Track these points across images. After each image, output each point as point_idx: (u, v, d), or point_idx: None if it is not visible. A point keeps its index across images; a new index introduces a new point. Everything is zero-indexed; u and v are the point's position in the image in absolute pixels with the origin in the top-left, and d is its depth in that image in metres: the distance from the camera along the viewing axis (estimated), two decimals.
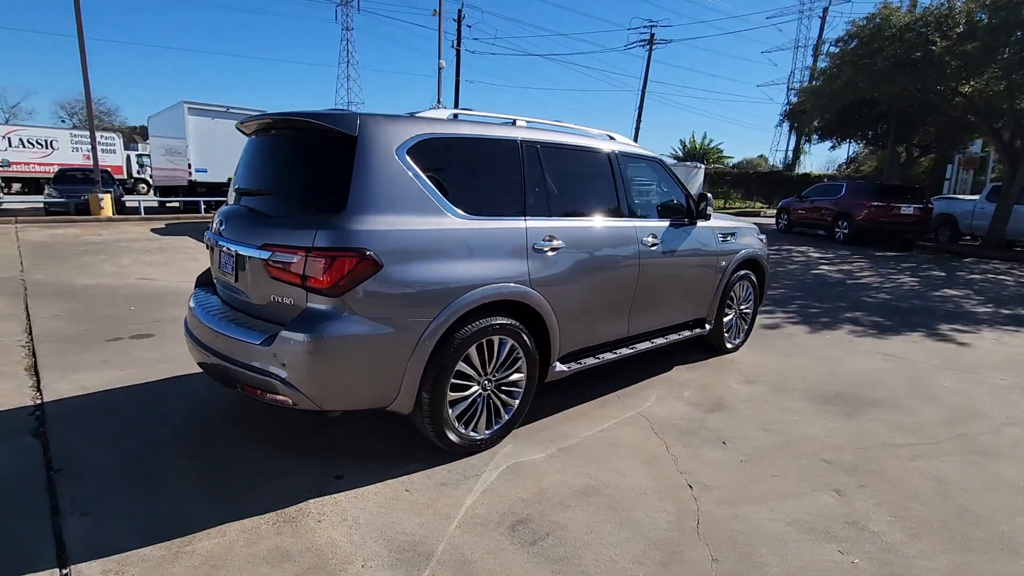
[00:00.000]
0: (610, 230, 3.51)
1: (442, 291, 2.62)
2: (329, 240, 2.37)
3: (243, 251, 2.64)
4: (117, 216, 14.90)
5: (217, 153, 15.41)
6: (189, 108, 15.79)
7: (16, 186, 25.31)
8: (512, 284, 2.88)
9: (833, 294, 7.66)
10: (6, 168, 23.91)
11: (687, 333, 4.29)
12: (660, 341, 4.03)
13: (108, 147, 25.13)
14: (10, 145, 24.10)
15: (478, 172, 2.96)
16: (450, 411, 2.78)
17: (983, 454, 3.12)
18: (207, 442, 2.96)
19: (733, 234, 4.60)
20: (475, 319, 2.77)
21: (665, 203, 4.10)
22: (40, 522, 2.25)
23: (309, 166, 2.60)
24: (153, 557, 2.07)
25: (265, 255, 2.50)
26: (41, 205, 15.80)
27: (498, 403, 3.03)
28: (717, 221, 4.53)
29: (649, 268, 3.75)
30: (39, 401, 3.39)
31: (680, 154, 36.96)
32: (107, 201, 14.38)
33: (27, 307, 5.54)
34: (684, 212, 4.13)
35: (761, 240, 5.05)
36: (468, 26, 32.41)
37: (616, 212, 3.61)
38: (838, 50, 15.28)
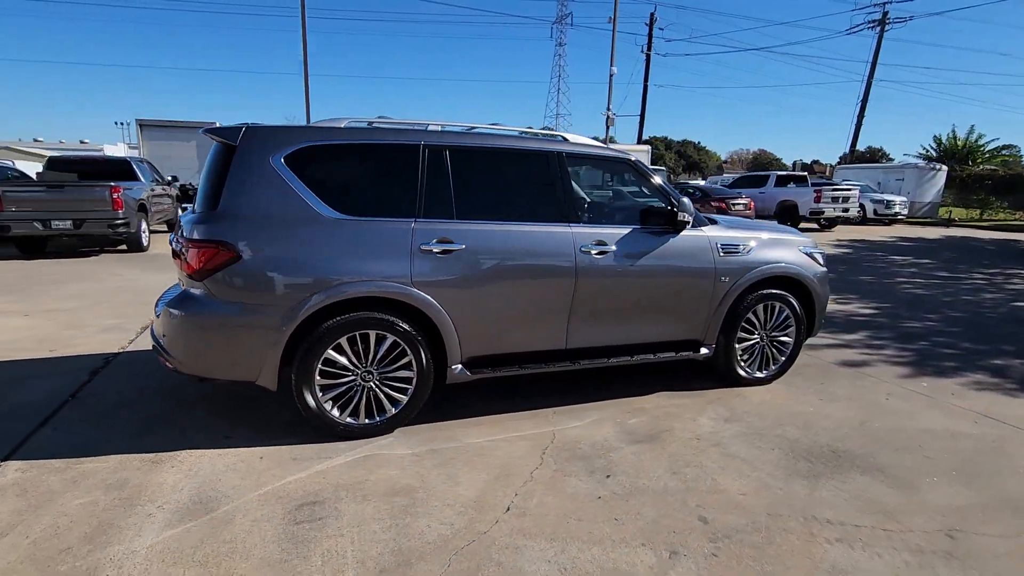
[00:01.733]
0: (532, 235, 3.35)
1: (303, 283, 2.89)
2: (197, 233, 2.83)
3: (173, 245, 3.27)
4: None
5: None
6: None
7: None
8: (388, 283, 3.00)
9: None
10: None
11: (670, 354, 3.80)
12: (625, 359, 3.66)
13: None
14: None
15: (363, 176, 3.15)
16: (320, 395, 3.03)
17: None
18: (177, 397, 3.68)
19: (746, 247, 3.90)
20: (343, 312, 2.97)
21: (631, 209, 3.72)
22: (22, 427, 3.13)
23: (212, 172, 3.10)
24: (55, 467, 2.76)
25: (176, 247, 3.07)
26: None
27: (382, 396, 3.17)
28: (722, 230, 3.91)
29: (594, 278, 3.46)
30: (120, 350, 4.57)
31: (933, 153, 30.15)
32: None
33: None
34: (663, 219, 3.67)
35: (811, 257, 4.17)
36: (660, 28, 31.44)
37: (547, 217, 3.43)
38: None
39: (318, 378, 3.00)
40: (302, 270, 2.90)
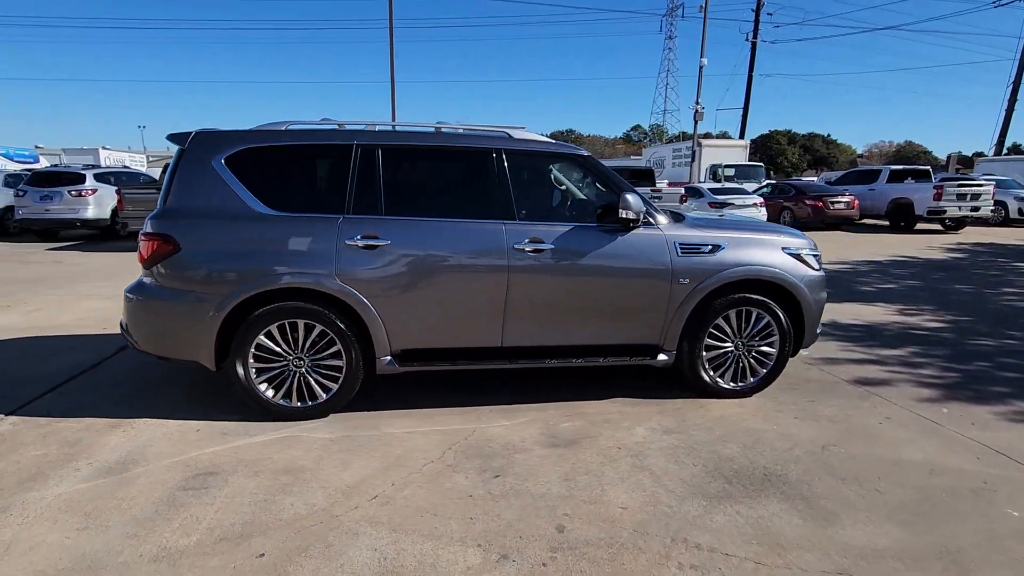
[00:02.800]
0: (461, 231, 3.37)
1: (234, 274, 3.16)
2: (147, 227, 3.21)
3: None
4: None
5: None
6: None
7: None
8: (311, 275, 3.19)
9: None
10: None
11: (623, 359, 3.63)
12: (568, 362, 3.56)
13: None
14: None
15: (297, 175, 3.36)
16: (255, 377, 3.29)
17: None
18: (168, 374, 4.15)
19: (711, 247, 3.60)
20: (273, 301, 3.21)
21: (579, 206, 3.59)
22: (37, 390, 3.73)
23: (168, 172, 3.44)
24: (38, 423, 3.27)
25: None
26: None
27: (313, 383, 3.37)
28: (682, 228, 3.65)
29: (529, 276, 3.41)
30: None
31: None
32: None
33: None
34: (607, 216, 3.51)
35: (799, 258, 3.75)
36: (769, 14, 29.27)
37: (479, 213, 3.42)
38: None
39: (252, 361, 3.26)
40: (234, 262, 3.17)
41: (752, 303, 3.68)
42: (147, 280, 3.26)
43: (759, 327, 3.75)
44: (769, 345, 3.79)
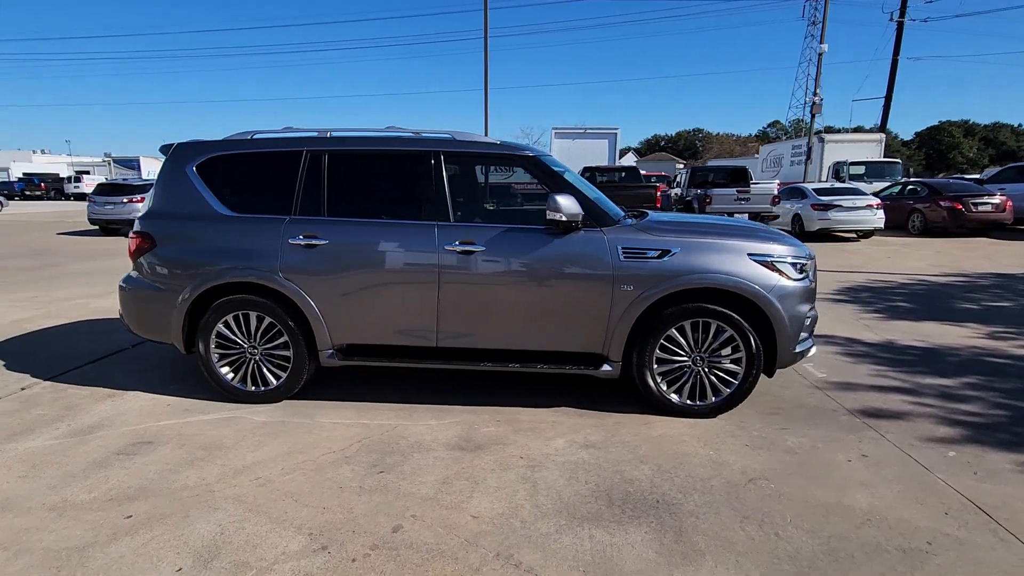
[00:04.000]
0: (394, 232, 3.47)
1: (196, 269, 3.55)
2: (135, 226, 3.70)
3: None
4: None
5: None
6: (556, 132, 19.17)
7: None
8: (257, 271, 3.49)
9: None
10: None
11: (567, 368, 3.49)
12: (503, 366, 3.51)
13: None
14: None
15: (253, 179, 3.65)
16: (216, 360, 3.66)
17: None
18: (181, 357, 4.73)
19: (660, 251, 3.33)
20: (228, 294, 3.56)
21: (515, 208, 3.50)
22: (78, 362, 4.47)
23: (156, 179, 3.91)
24: (59, 388, 3.92)
25: None
26: None
27: (266, 370, 3.67)
28: (629, 231, 3.41)
29: (462, 278, 3.42)
30: None
31: None
32: None
33: None
34: (540, 218, 3.39)
35: (770, 266, 3.34)
36: None
37: (413, 214, 3.49)
38: None
39: (213, 347, 3.63)
40: (197, 258, 3.56)
41: (711, 314, 3.34)
42: (134, 273, 3.77)
43: (720, 341, 3.39)
44: (734, 362, 3.41)
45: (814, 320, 3.60)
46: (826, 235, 13.61)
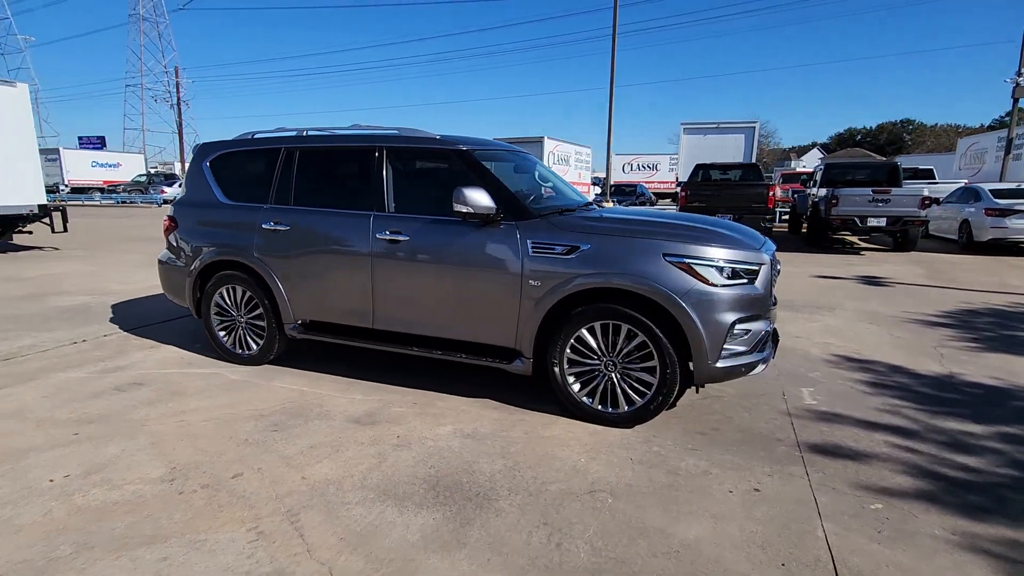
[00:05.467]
0: (336, 221, 3.82)
1: (200, 247, 4.28)
2: (168, 212, 4.56)
3: None
4: None
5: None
6: (685, 128, 18.16)
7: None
8: (236, 251, 4.10)
9: None
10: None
11: (484, 360, 3.55)
12: (427, 352, 3.68)
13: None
14: (631, 169, 33.31)
15: (245, 173, 4.25)
16: (216, 326, 4.38)
17: None
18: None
19: (569, 248, 3.21)
20: (220, 269, 4.23)
21: (441, 200, 3.60)
22: (157, 319, 5.59)
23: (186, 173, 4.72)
24: (126, 337, 4.99)
25: None
26: None
27: (250, 338, 4.29)
28: (542, 226, 3.34)
29: (388, 265, 3.67)
30: None
31: None
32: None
33: None
34: (453, 211, 3.41)
35: (687, 268, 3.04)
36: None
37: (355, 204, 3.79)
38: None
39: (213, 314, 4.35)
40: (202, 238, 4.29)
41: (622, 317, 3.14)
42: (165, 249, 4.65)
43: (632, 347, 3.17)
44: (647, 371, 3.16)
45: (760, 334, 3.17)
46: (1006, 247, 11.10)
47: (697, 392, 3.51)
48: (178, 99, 38.22)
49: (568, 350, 3.29)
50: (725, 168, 13.63)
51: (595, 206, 4.32)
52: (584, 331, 3.24)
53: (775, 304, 3.58)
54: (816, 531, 2.31)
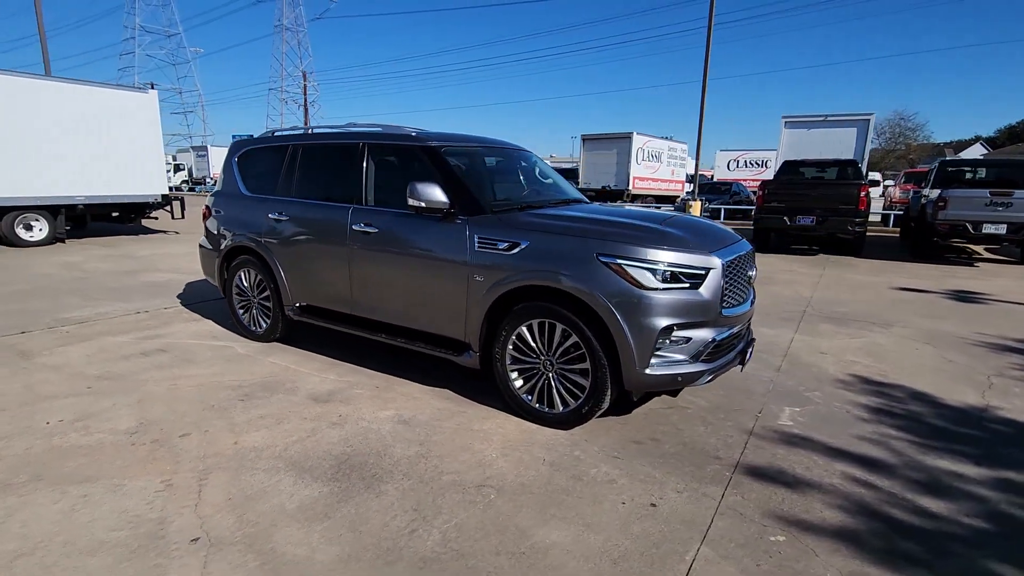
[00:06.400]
0: (322, 212, 4.10)
1: (225, 233, 4.80)
2: (206, 202, 5.15)
3: None
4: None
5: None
6: (786, 121, 16.76)
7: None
8: (249, 238, 4.55)
9: None
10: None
11: (439, 352, 3.66)
12: (392, 339, 3.86)
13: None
14: (737, 166, 31.32)
15: (261, 167, 4.67)
16: (236, 304, 4.90)
17: None
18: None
19: (512, 244, 3.21)
20: (238, 255, 4.73)
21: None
22: (208, 296, 6.33)
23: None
24: (179, 309, 5.73)
25: None
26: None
27: (261, 317, 4.74)
28: (488, 221, 3.37)
29: (363, 255, 3.89)
30: None
31: None
32: (696, 207, 17.89)
33: None
34: (414, 205, 3.51)
35: (620, 269, 2.93)
36: None
37: (339, 197, 4.05)
38: None
39: (234, 293, 4.87)
40: (226, 226, 4.81)
41: (557, 316, 3.10)
42: (203, 235, 5.25)
43: (566, 346, 3.11)
44: (581, 373, 3.09)
45: (704, 343, 2.96)
46: None
47: (634, 400, 3.33)
48: (305, 101, 42.07)
49: (511, 346, 3.30)
50: (821, 165, 12.39)
51: (587, 202, 4.25)
52: (524, 328, 3.23)
53: (747, 306, 3.33)
54: (687, 554, 2.16)
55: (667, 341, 2.91)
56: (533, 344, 3.22)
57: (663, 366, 2.93)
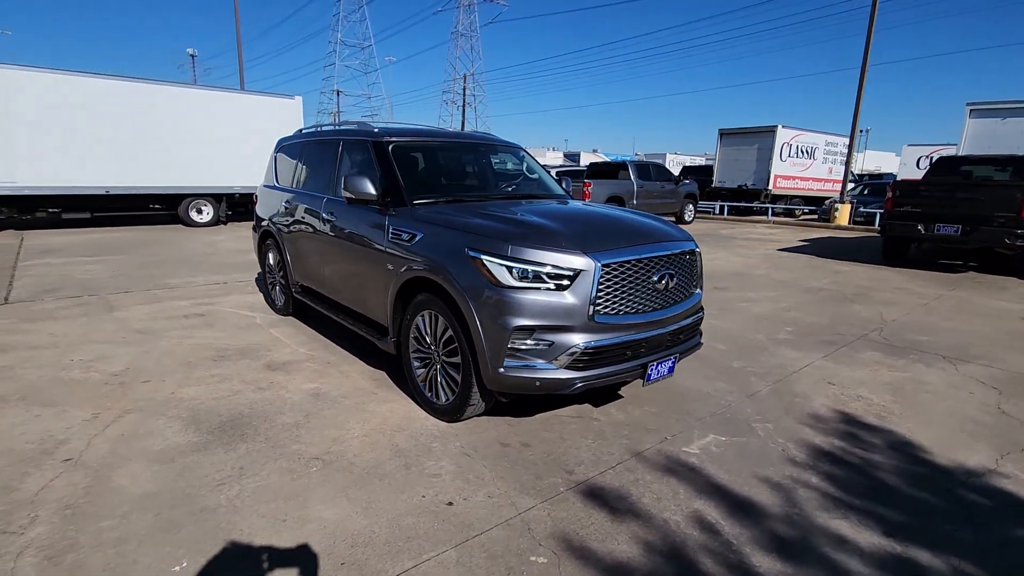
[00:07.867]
0: (307, 200, 4.56)
1: (261, 219, 5.56)
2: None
3: None
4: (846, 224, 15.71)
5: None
6: (972, 110, 13.89)
7: None
8: (271, 223, 5.23)
9: None
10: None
11: (371, 335, 3.91)
12: (342, 320, 4.19)
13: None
14: (929, 164, 26.45)
15: (286, 161, 5.28)
16: (268, 281, 5.65)
17: None
18: None
19: (413, 236, 3.31)
20: (266, 238, 5.45)
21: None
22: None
23: None
24: (231, 286, 6.73)
25: None
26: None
27: (280, 292, 5.42)
28: (408, 214, 3.48)
29: (326, 240, 4.28)
30: None
31: None
32: (844, 211, 15.58)
33: None
34: (345, 196, 3.74)
35: (479, 263, 2.88)
36: None
37: (321, 188, 4.46)
38: None
39: (266, 272, 5.63)
40: (262, 212, 5.55)
41: (438, 308, 3.15)
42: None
43: (444, 339, 3.14)
44: (455, 367, 3.11)
45: (568, 348, 2.78)
46: None
47: (505, 400, 3.16)
48: (463, 102, 44.96)
49: (413, 334, 3.41)
50: (994, 162, 10.01)
51: (565, 199, 4.17)
52: (420, 318, 3.32)
53: (656, 315, 3.03)
54: (425, 554, 2.12)
55: (526, 342, 2.79)
56: (426, 335, 3.29)
57: (521, 368, 2.81)
